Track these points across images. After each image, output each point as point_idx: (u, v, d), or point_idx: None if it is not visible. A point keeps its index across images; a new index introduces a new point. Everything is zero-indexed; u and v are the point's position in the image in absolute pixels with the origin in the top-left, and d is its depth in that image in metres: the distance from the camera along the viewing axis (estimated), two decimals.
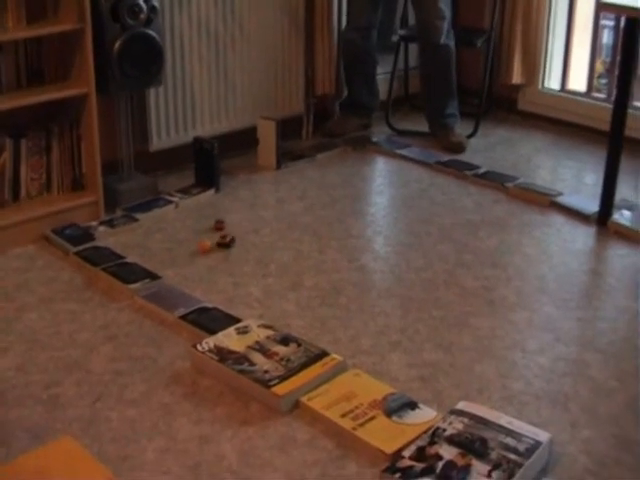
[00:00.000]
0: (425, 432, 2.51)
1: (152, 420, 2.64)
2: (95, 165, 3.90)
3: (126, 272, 3.49)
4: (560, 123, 5.22)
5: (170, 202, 4.17)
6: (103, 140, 3.92)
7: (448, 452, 2.41)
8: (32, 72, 3.81)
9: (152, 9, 3.93)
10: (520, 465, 2.36)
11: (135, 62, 3.92)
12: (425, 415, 2.62)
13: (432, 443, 2.45)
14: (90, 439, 2.55)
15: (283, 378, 2.74)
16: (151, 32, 3.95)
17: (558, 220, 4.06)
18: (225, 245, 3.75)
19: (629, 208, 4.04)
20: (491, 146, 5.01)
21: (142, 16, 3.90)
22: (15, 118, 3.76)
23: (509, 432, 2.49)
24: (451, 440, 2.45)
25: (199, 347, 2.91)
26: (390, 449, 2.47)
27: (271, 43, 4.76)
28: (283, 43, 4.82)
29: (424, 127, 5.09)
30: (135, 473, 2.42)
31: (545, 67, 5.33)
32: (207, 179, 4.33)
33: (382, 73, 5.30)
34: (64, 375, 2.87)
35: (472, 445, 2.43)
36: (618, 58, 3.96)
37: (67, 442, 2.51)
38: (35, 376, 2.86)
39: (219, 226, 3.91)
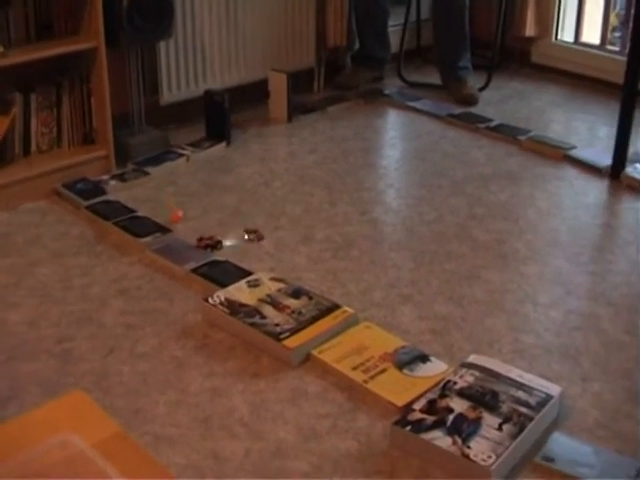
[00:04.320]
0: (436, 385, 2.51)
1: (163, 373, 2.65)
2: (106, 119, 3.89)
3: (137, 226, 3.48)
4: (573, 76, 5.18)
5: (181, 155, 4.16)
6: (113, 94, 3.90)
7: (459, 405, 2.41)
8: (41, 26, 3.78)
9: None
10: (531, 418, 2.36)
11: (145, 15, 3.89)
12: (436, 368, 2.62)
13: (443, 396, 2.45)
14: (102, 393, 2.56)
15: (294, 331, 2.74)
16: None
17: (571, 173, 4.04)
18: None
19: None
20: (504, 99, 4.97)
21: None
22: (25, 72, 3.74)
23: (520, 385, 2.49)
24: (462, 393, 2.45)
25: (210, 300, 2.91)
26: (401, 402, 2.47)
27: None
28: None
29: (436, 79, 5.06)
30: (146, 426, 2.43)
31: (559, 19, 5.29)
32: (218, 132, 4.32)
33: (394, 25, 5.26)
34: (76, 329, 2.88)
35: (483, 398, 2.43)
36: (632, 10, 3.90)
37: (78, 396, 2.52)
38: (47, 330, 2.87)
39: (200, 244, 3.39)
